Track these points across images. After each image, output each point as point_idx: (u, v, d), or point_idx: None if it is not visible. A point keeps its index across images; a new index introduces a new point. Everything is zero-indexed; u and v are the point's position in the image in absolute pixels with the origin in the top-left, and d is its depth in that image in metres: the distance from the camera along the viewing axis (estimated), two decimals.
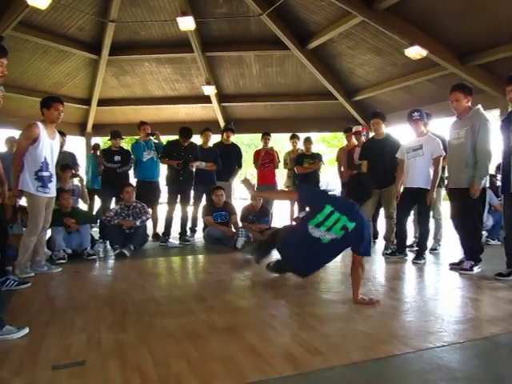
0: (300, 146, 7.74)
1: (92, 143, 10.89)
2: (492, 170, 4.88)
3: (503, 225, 4.26)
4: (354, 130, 6.85)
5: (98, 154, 8.19)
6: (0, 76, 3.04)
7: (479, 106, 4.17)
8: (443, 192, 5.51)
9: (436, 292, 3.61)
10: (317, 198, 3.46)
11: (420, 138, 4.84)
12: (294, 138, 7.75)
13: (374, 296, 3.24)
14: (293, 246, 3.41)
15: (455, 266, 4.35)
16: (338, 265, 4.58)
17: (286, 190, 3.40)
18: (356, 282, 3.19)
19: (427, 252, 5.10)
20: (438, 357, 2.12)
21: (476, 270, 4.13)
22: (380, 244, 5.92)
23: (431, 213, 5.35)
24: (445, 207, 5.67)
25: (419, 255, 4.79)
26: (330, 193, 3.57)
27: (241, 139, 24.83)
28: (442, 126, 6.89)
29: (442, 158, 4.74)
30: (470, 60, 7.23)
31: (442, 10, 6.71)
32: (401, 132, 10.66)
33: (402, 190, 5.01)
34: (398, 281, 4.15)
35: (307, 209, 3.65)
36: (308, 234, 3.26)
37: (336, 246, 3.30)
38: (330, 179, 19.51)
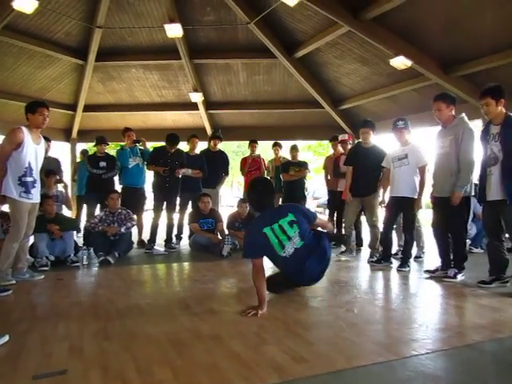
0: (282, 153, 7.78)
1: (77, 149, 10.82)
2: (476, 178, 4.95)
3: (484, 232, 4.33)
4: (340, 138, 6.91)
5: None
6: None
7: (463, 114, 4.23)
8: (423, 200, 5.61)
9: (420, 300, 3.63)
10: (255, 238, 3.34)
11: (405, 147, 4.91)
12: (276, 145, 7.76)
13: (358, 305, 3.26)
14: (289, 273, 3.48)
15: (430, 273, 4.43)
16: None
17: (256, 276, 3.28)
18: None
19: (412, 260, 5.15)
20: (422, 364, 2.13)
21: (459, 277, 4.18)
22: (365, 252, 5.96)
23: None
24: (424, 215, 5.75)
25: (404, 263, 4.83)
26: (252, 223, 3.61)
27: (228, 146, 24.84)
28: (427, 136, 7.01)
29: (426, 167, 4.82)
30: (453, 71, 7.38)
31: (426, 21, 6.85)
32: (386, 141, 10.78)
33: (386, 198, 5.08)
34: (382, 288, 4.18)
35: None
36: (288, 258, 3.33)
37: (307, 236, 3.41)
38: (317, 187, 19.62)
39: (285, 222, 3.32)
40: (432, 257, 5.58)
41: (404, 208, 4.87)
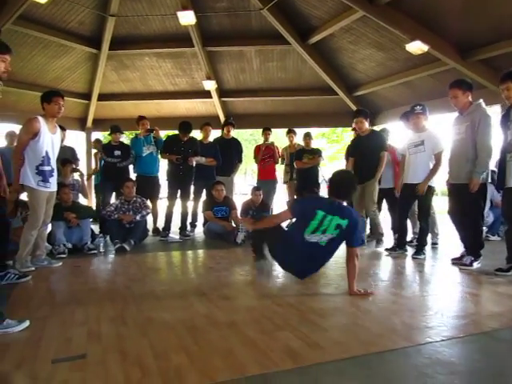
0: (297, 140, 7.73)
1: (92, 138, 10.91)
2: (493, 165, 4.87)
3: (503, 219, 4.27)
4: (353, 125, 6.86)
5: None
6: (3, 72, 3.08)
7: (481, 100, 4.15)
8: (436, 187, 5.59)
9: (435, 287, 3.61)
10: (308, 206, 3.39)
11: (421, 133, 4.83)
12: (290, 132, 7.69)
13: (372, 290, 3.27)
14: (291, 256, 3.39)
15: (457, 261, 4.35)
16: (338, 260, 4.58)
17: (277, 213, 3.32)
18: (352, 272, 3.28)
19: (429, 247, 5.11)
20: (438, 351, 2.13)
21: (476, 265, 4.14)
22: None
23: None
24: (439, 202, 5.70)
25: (419, 250, 4.79)
26: (317, 196, 3.54)
27: (241, 135, 24.81)
28: (444, 122, 6.91)
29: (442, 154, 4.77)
30: (471, 55, 7.21)
31: (443, 5, 6.69)
32: (401, 127, 10.67)
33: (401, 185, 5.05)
34: (397, 276, 4.16)
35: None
36: (305, 242, 3.29)
37: (333, 246, 3.36)
38: (330, 175, 19.51)
39: (337, 221, 3.23)
40: (448, 244, 5.55)
41: (419, 195, 4.82)
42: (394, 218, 5.50)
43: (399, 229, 5.13)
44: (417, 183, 4.76)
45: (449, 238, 5.86)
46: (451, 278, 3.89)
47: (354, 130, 7.06)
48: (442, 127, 5.61)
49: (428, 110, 4.92)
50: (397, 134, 5.75)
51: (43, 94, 4.14)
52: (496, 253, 4.42)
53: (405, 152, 5.03)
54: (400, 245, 5.06)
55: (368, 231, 6.11)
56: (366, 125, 5.64)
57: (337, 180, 3.47)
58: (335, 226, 3.24)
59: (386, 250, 5.17)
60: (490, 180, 4.22)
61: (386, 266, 4.57)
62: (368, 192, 5.49)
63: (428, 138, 4.76)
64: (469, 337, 2.34)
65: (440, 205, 5.81)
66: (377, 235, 5.47)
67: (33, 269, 4.10)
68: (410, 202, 5.02)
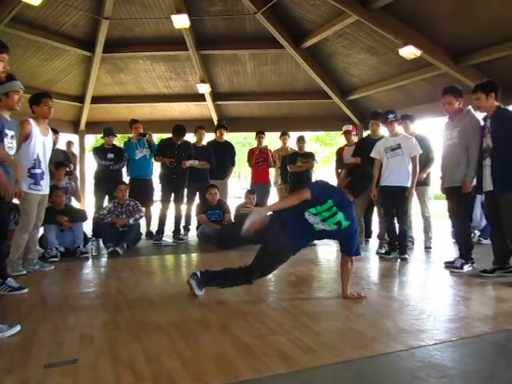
0: (290, 144, 7.73)
1: (86, 141, 10.88)
2: None
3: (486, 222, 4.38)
4: (343, 129, 6.88)
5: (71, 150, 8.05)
6: (2, 71, 3.02)
7: (469, 107, 4.28)
8: (431, 190, 5.65)
9: (428, 290, 3.63)
10: (325, 190, 3.28)
11: (396, 137, 4.97)
12: (284, 135, 7.66)
13: (365, 293, 3.28)
14: (286, 223, 3.22)
15: (449, 265, 4.37)
16: (330, 263, 4.60)
17: (294, 194, 3.21)
18: (346, 277, 3.28)
19: (422, 250, 5.12)
20: (430, 355, 2.13)
21: (466, 268, 4.17)
22: (373, 243, 5.95)
23: (420, 211, 5.65)
24: (435, 205, 5.75)
25: (403, 252, 4.87)
26: (331, 185, 3.46)
27: (235, 138, 24.81)
28: (435, 126, 6.96)
29: (418, 156, 4.89)
30: (463, 60, 7.28)
31: (435, 10, 6.75)
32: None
33: (378, 188, 5.09)
34: (390, 279, 4.18)
35: None
36: (302, 217, 3.19)
37: (323, 235, 3.29)
38: (324, 178, 19.57)
39: (340, 217, 3.15)
40: (441, 248, 5.58)
41: (397, 197, 4.87)
42: (382, 224, 5.51)
43: (388, 232, 5.15)
44: (397, 186, 4.85)
45: (442, 242, 5.89)
46: (443, 281, 3.91)
47: (344, 133, 7.09)
48: (434, 131, 5.65)
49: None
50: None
51: (31, 97, 4.11)
52: (489, 256, 4.44)
53: (377, 156, 5.09)
54: (392, 248, 5.07)
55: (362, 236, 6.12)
56: (381, 128, 5.58)
57: (358, 177, 3.37)
58: (336, 221, 3.15)
59: (379, 253, 5.18)
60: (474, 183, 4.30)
61: (378, 270, 4.59)
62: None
63: (404, 142, 4.91)
64: (461, 340, 2.36)
65: (433, 209, 5.85)
66: (381, 240, 5.47)
67: (24, 273, 4.07)
68: (392, 204, 5.03)
